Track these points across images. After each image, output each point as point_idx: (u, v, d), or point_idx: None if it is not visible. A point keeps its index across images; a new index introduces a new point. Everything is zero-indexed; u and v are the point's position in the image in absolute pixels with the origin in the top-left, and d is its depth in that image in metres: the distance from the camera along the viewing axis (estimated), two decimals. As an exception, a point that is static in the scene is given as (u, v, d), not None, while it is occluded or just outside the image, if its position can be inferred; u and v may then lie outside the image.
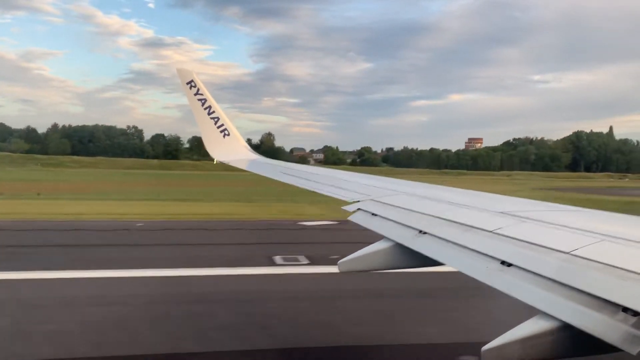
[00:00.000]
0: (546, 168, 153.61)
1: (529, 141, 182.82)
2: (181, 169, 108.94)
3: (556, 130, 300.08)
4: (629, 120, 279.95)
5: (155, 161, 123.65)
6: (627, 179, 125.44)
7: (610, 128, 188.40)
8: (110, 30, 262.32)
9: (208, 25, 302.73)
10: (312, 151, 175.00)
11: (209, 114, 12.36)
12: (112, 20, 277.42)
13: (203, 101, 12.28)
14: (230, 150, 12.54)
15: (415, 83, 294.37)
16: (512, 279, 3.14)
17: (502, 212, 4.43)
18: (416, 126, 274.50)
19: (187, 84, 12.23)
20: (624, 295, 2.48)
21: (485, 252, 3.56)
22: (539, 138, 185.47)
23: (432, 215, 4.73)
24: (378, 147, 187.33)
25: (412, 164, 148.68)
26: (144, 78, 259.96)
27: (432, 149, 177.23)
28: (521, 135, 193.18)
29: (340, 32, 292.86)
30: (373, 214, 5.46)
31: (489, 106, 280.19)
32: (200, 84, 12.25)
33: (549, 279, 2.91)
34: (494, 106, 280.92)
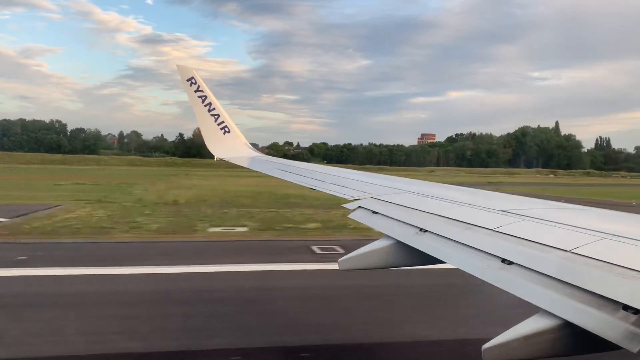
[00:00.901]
0: (483, 164, 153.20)
1: (472, 136, 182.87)
2: (83, 163, 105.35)
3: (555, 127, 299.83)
4: (627, 117, 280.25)
5: (58, 156, 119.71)
6: (552, 176, 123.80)
7: (556, 123, 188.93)
8: (108, 26, 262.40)
9: (206, 22, 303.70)
10: (257, 146, 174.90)
11: (209, 110, 12.35)
12: (111, 16, 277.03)
13: (203, 98, 12.26)
14: (231, 147, 12.53)
15: (414, 80, 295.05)
16: (513, 277, 3.15)
17: (502, 211, 4.44)
18: (415, 123, 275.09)
19: (188, 80, 12.21)
20: (625, 293, 2.48)
21: (486, 250, 3.57)
22: (486, 133, 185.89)
23: (433, 213, 4.74)
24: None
25: (344, 159, 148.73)
26: (142, 74, 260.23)
27: (370, 144, 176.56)
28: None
29: (339, 29, 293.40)
30: (374, 212, 5.46)
31: (488, 103, 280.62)
32: (200, 81, 12.23)
33: (550, 277, 2.91)
34: (493, 103, 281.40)
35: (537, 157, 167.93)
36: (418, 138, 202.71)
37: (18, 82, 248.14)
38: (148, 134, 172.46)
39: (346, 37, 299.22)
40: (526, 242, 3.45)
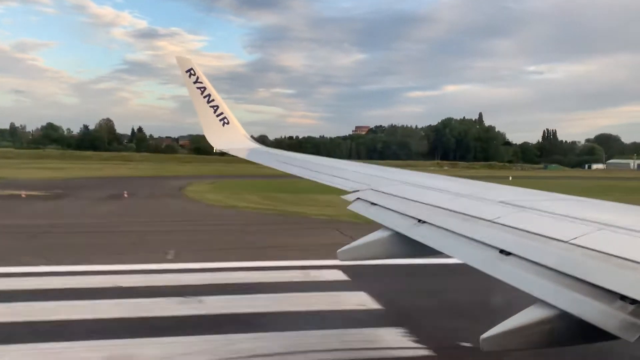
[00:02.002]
0: (395, 156, 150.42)
1: (393, 129, 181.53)
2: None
3: (552, 121, 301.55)
4: (623, 111, 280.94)
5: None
6: (446, 168, 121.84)
7: (480, 115, 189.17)
8: (103, 20, 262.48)
9: (201, 16, 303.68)
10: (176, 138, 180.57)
11: (208, 102, 12.31)
12: (105, 10, 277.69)
13: (202, 89, 12.22)
14: (230, 138, 12.51)
15: (410, 74, 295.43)
16: (511, 267, 3.16)
17: (501, 202, 4.44)
18: (412, 117, 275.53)
19: (187, 72, 12.17)
20: (622, 284, 2.49)
21: (484, 241, 3.58)
22: (407, 126, 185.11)
23: (431, 205, 4.74)
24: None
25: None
26: (138, 69, 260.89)
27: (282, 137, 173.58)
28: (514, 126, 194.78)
29: (334, 23, 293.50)
30: (372, 203, 5.47)
31: (484, 97, 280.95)
32: (199, 72, 12.19)
33: (548, 267, 2.92)
34: (489, 97, 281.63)
35: (455, 149, 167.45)
36: (352, 130, 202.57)
37: (13, 77, 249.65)
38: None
39: (341, 32, 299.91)
40: (524, 233, 3.46)
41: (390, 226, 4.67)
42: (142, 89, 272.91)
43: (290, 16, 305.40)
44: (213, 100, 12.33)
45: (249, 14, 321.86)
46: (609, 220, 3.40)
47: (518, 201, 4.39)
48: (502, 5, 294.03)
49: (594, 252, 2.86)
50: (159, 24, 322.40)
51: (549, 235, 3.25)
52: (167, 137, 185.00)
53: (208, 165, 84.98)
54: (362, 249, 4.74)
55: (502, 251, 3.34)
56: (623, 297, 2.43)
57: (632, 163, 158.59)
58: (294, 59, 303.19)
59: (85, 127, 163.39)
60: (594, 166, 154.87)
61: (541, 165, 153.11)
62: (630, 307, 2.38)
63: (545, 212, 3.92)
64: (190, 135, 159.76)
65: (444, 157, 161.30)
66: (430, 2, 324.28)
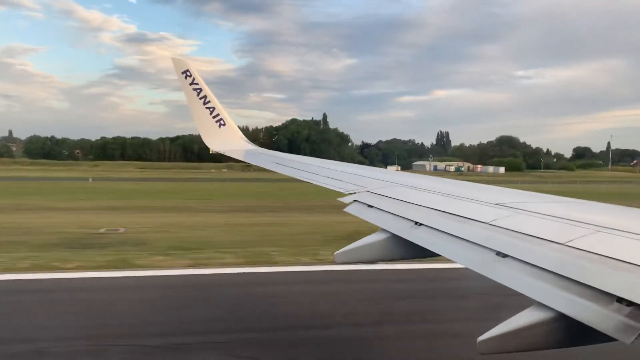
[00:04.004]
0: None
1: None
2: None
3: (541, 126, 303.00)
4: (610, 116, 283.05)
5: None
6: (225, 170, 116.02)
7: (324, 115, 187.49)
8: (92, 25, 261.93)
9: (190, 21, 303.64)
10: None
11: (204, 104, 12.29)
12: (94, 15, 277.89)
13: (198, 91, 12.19)
14: (227, 140, 12.49)
15: (400, 79, 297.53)
16: (508, 269, 3.16)
17: (497, 204, 4.45)
18: (403, 121, 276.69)
19: (183, 73, 12.14)
20: (619, 286, 2.50)
21: (480, 243, 3.58)
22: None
23: (428, 207, 4.74)
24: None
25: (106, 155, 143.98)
26: (128, 73, 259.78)
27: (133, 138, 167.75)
28: (505, 131, 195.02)
29: (323, 28, 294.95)
30: (369, 206, 5.46)
31: (474, 102, 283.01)
32: (195, 74, 12.17)
33: (544, 269, 2.92)
34: (479, 101, 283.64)
35: (289, 150, 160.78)
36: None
37: (2, 82, 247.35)
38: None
39: (330, 36, 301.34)
40: (521, 235, 3.46)
41: (387, 228, 4.66)
42: (133, 93, 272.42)
43: (278, 21, 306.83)
44: (209, 101, 12.31)
45: (238, 18, 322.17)
46: (606, 223, 3.41)
47: (514, 203, 4.40)
48: (487, 10, 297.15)
49: (590, 254, 2.86)
50: (147, 28, 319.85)
51: (545, 238, 3.26)
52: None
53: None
54: (358, 252, 4.73)
55: (498, 253, 3.34)
56: (620, 300, 2.44)
57: (428, 165, 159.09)
58: (284, 64, 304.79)
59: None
60: (390, 167, 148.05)
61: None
62: (627, 310, 2.38)
63: (541, 214, 3.93)
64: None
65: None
66: (417, 7, 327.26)
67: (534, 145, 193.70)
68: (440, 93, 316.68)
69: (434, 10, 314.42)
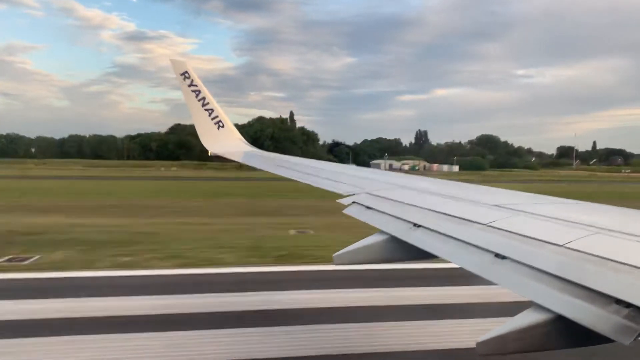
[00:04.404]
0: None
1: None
2: None
3: (541, 125, 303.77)
4: (611, 115, 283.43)
5: None
6: (174, 169, 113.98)
7: (291, 113, 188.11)
8: (91, 23, 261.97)
9: (189, 19, 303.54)
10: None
11: (203, 105, 12.28)
12: (93, 13, 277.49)
13: (197, 92, 12.18)
14: (225, 142, 12.47)
15: (401, 78, 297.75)
16: (506, 271, 3.17)
17: (496, 205, 4.45)
18: (403, 120, 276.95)
19: (181, 75, 12.13)
20: (617, 288, 2.51)
21: (479, 245, 3.58)
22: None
23: (427, 209, 4.74)
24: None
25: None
26: (128, 72, 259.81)
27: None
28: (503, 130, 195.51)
29: (323, 26, 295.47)
30: (368, 207, 5.46)
31: (475, 100, 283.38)
32: (194, 75, 12.16)
33: (543, 271, 2.93)
34: (479, 100, 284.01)
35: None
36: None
37: (2, 80, 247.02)
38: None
39: (330, 35, 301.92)
40: (519, 236, 3.46)
41: (386, 230, 4.66)
42: (133, 92, 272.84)
43: (278, 19, 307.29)
44: (208, 103, 12.29)
45: (237, 16, 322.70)
46: (604, 224, 3.42)
47: (513, 205, 4.40)
48: (489, 9, 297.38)
49: (589, 255, 2.87)
50: (147, 26, 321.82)
51: (544, 239, 3.26)
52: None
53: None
54: (357, 253, 4.73)
55: (497, 255, 3.35)
56: (618, 301, 2.45)
57: (384, 163, 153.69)
58: (283, 62, 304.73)
59: None
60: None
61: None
62: (625, 311, 2.39)
63: (540, 215, 3.93)
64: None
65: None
66: (417, 6, 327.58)
67: (528, 145, 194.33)
68: (441, 92, 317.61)
69: (434, 9, 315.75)
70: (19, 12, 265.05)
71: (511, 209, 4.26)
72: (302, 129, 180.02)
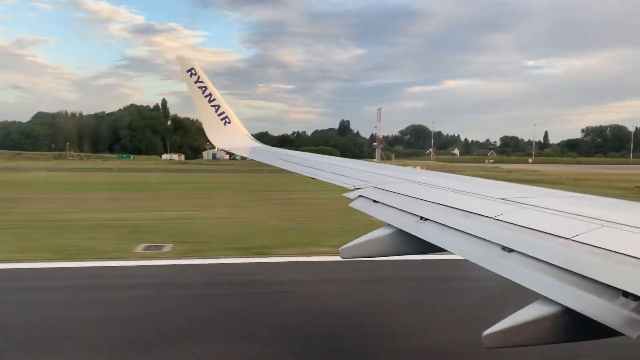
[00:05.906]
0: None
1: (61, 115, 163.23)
2: None
3: (553, 116, 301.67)
4: (622, 106, 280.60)
5: None
6: (133, 158, 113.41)
7: (163, 101, 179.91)
8: (100, 16, 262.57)
9: (197, 11, 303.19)
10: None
11: (209, 101, 12.32)
12: (102, 6, 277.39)
13: (204, 89, 12.22)
14: (232, 138, 12.53)
15: (410, 69, 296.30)
16: (513, 264, 3.16)
17: (502, 199, 4.44)
18: (413, 112, 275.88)
19: (188, 71, 12.18)
20: (624, 280, 2.50)
21: (486, 238, 3.58)
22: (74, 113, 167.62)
23: (433, 202, 4.74)
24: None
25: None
26: (138, 64, 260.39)
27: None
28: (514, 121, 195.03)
29: (330, 18, 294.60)
30: (374, 201, 5.47)
31: (484, 92, 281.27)
32: (200, 72, 12.19)
33: (550, 264, 2.93)
34: (490, 92, 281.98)
35: (107, 139, 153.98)
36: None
37: (14, 73, 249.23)
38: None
39: (337, 26, 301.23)
40: (526, 229, 3.46)
41: (393, 223, 4.67)
42: (143, 84, 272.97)
43: (285, 11, 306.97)
44: (214, 99, 12.34)
45: (244, 8, 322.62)
46: (612, 217, 3.41)
47: (520, 198, 4.39)
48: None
49: (596, 248, 2.86)
50: (155, 19, 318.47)
51: (551, 232, 3.26)
52: None
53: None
54: (364, 246, 4.74)
55: (504, 248, 3.34)
56: (626, 294, 2.44)
57: (206, 153, 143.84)
58: (292, 54, 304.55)
59: None
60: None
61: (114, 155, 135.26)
62: (633, 304, 2.38)
63: (547, 209, 3.92)
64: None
65: (93, 148, 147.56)
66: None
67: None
68: (450, 83, 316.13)
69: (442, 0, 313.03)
70: (28, 5, 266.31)
71: (518, 202, 4.25)
72: (175, 117, 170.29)
